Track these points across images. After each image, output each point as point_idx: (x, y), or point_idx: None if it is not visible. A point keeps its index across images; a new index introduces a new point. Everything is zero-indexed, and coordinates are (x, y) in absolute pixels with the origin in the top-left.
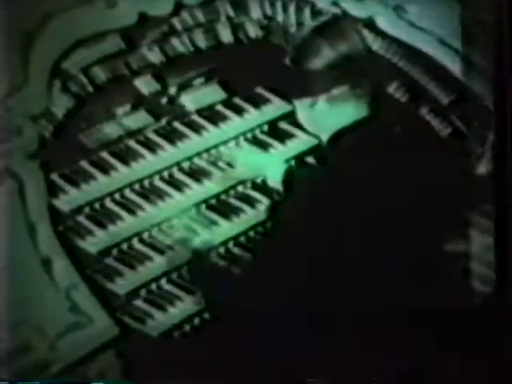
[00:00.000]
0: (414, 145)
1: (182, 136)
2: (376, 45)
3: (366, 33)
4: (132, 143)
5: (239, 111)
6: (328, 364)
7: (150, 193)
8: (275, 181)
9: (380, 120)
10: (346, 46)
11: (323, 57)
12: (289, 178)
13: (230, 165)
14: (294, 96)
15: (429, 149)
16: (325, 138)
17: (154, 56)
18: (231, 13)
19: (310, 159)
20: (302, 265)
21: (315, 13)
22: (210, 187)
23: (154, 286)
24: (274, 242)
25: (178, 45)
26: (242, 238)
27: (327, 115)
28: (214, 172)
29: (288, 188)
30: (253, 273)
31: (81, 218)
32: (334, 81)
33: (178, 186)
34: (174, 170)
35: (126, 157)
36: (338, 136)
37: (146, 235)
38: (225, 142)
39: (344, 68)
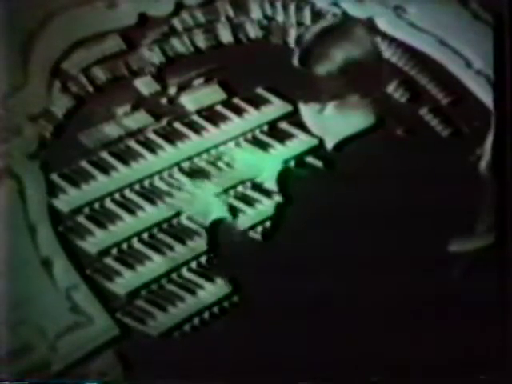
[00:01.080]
0: (414, 145)
1: (182, 136)
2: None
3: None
4: (132, 143)
5: (239, 111)
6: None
7: (150, 193)
8: (274, 181)
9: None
10: (356, 51)
11: (332, 61)
12: (287, 177)
13: (229, 165)
14: (299, 98)
15: (429, 149)
16: (330, 143)
17: (154, 56)
18: (231, 13)
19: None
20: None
21: (315, 13)
22: (210, 187)
23: (154, 286)
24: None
25: (178, 45)
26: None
27: (335, 121)
28: (214, 172)
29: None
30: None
31: (81, 219)
32: (344, 87)
33: (177, 186)
34: (174, 171)
35: (126, 157)
36: (344, 142)
37: (145, 235)
38: (225, 143)
39: (354, 74)
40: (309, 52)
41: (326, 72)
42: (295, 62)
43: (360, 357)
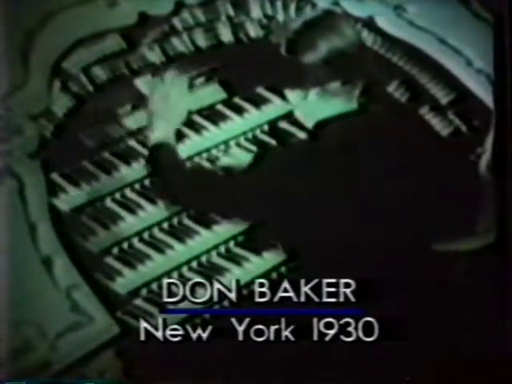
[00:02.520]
0: (414, 144)
1: (182, 136)
2: (376, 44)
3: (359, 27)
4: (133, 143)
5: (239, 111)
6: None
7: (150, 193)
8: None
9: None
10: (339, 41)
11: (317, 51)
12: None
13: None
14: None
15: (429, 148)
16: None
17: (155, 55)
18: (231, 12)
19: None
20: None
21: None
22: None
23: (154, 285)
24: None
25: (179, 44)
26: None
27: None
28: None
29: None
30: None
31: (81, 218)
32: (327, 75)
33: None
34: None
35: (127, 156)
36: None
37: (146, 235)
38: (225, 142)
39: (337, 63)
40: (295, 41)
41: (312, 61)
42: (282, 50)
43: None
